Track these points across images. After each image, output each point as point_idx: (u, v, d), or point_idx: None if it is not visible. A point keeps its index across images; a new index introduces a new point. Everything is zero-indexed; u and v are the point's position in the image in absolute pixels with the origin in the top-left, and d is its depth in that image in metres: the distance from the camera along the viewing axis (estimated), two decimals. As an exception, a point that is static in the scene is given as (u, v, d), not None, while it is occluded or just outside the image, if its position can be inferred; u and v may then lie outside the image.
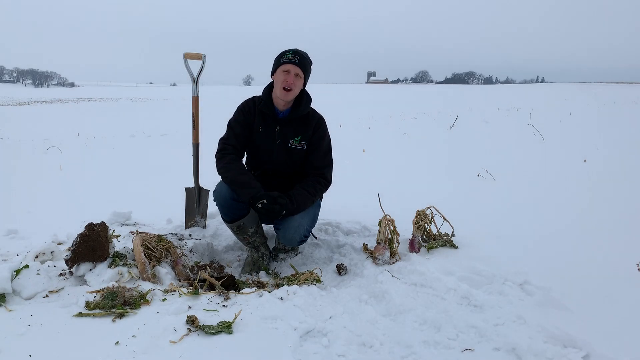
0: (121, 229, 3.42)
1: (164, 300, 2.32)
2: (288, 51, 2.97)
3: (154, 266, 2.64)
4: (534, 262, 2.72)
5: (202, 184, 3.58)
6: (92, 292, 2.29)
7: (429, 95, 43.97)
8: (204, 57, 3.52)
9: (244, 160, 3.19)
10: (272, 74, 3.02)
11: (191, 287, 2.51)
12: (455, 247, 2.96)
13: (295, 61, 2.92)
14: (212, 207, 3.39)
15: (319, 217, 3.19)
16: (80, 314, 2.13)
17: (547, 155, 6.78)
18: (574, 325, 2.04)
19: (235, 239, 3.43)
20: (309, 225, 3.06)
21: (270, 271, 3.11)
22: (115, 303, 2.18)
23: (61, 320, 2.08)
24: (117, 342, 1.91)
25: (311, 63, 3.05)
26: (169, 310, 2.17)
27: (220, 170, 2.98)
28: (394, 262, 2.78)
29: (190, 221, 3.57)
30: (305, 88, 3.09)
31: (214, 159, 3.05)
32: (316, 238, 3.39)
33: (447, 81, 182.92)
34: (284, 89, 2.91)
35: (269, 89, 3.06)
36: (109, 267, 2.52)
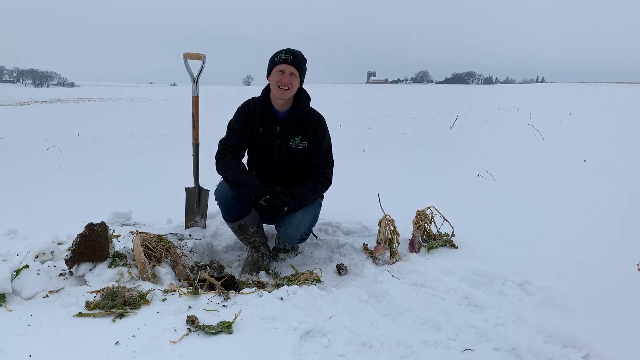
0: (121, 229, 3.43)
1: (164, 300, 2.32)
2: (281, 51, 2.97)
3: (154, 266, 2.65)
4: (534, 262, 2.72)
5: (202, 184, 3.58)
6: (92, 292, 2.30)
7: (429, 95, 43.95)
8: (204, 57, 3.53)
9: (244, 160, 3.19)
10: (268, 75, 3.02)
11: (191, 287, 2.51)
12: (455, 247, 2.96)
13: (289, 60, 2.92)
14: (212, 207, 3.39)
15: (319, 217, 3.19)
16: (80, 314, 2.13)
17: (547, 155, 6.77)
18: (574, 325, 2.04)
19: (235, 239, 3.43)
20: (310, 224, 3.06)
21: (270, 271, 3.11)
22: (115, 303, 2.18)
23: (61, 320, 2.08)
24: (117, 342, 1.91)
25: (305, 61, 3.04)
26: (169, 310, 2.18)
27: (220, 170, 2.99)
28: (394, 262, 2.78)
29: (190, 221, 3.57)
30: (304, 86, 3.09)
31: (215, 161, 3.05)
32: (317, 237, 3.39)
33: (447, 81, 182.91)
34: (280, 87, 2.91)
35: (267, 90, 3.06)
36: (109, 267, 2.52)
